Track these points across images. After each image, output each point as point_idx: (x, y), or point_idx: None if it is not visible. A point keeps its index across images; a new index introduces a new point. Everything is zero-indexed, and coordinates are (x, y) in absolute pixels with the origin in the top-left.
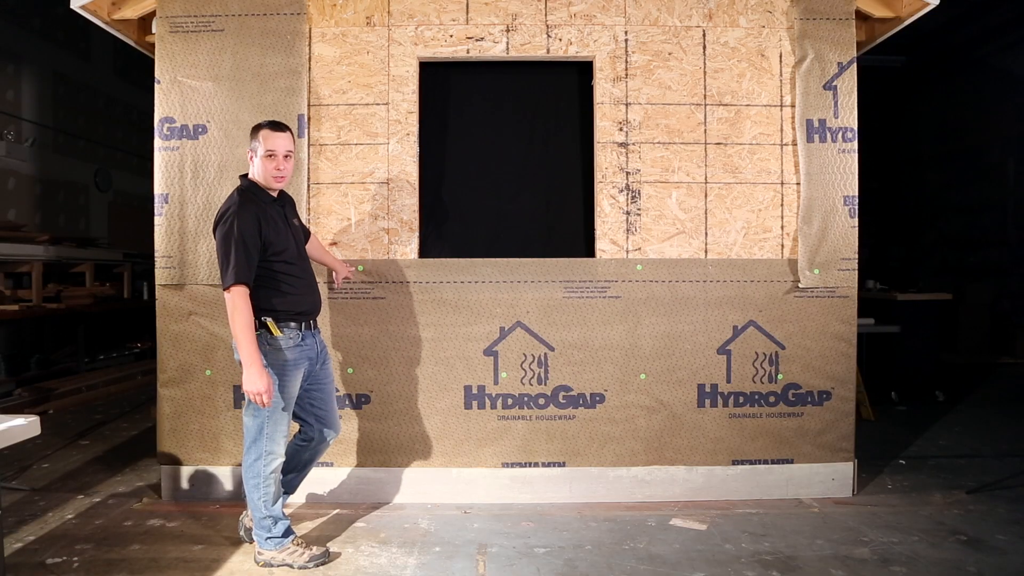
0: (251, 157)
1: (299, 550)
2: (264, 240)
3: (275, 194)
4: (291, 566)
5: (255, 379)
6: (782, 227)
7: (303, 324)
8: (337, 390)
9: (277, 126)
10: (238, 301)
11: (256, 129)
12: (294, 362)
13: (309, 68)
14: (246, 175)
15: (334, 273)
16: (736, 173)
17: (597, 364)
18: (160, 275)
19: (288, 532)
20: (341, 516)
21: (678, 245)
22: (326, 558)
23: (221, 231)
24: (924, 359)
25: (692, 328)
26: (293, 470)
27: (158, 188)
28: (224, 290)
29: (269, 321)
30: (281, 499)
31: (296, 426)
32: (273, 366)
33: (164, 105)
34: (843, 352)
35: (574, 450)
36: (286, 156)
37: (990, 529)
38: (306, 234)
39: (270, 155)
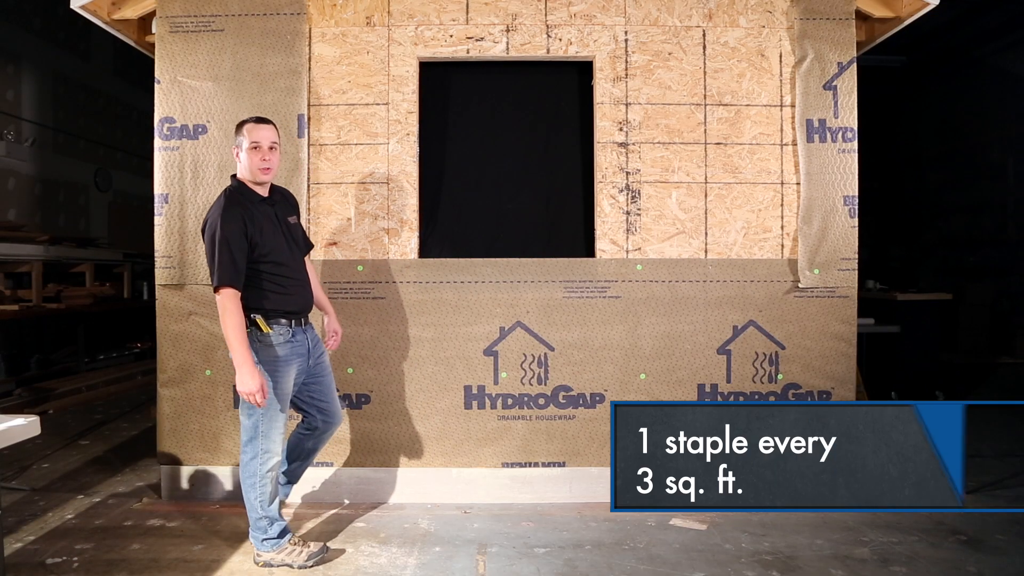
0: (236, 154)
1: (297, 549)
2: (250, 241)
3: (264, 192)
4: (291, 566)
5: (247, 379)
6: (782, 227)
7: (293, 321)
8: (336, 390)
9: (260, 119)
10: (226, 303)
11: (239, 125)
12: (285, 359)
13: (309, 68)
14: (235, 175)
15: (325, 319)
16: (736, 173)
17: (597, 364)
18: (160, 275)
19: (284, 532)
20: (341, 516)
21: (678, 245)
22: (325, 552)
23: (208, 234)
24: (924, 359)
25: (692, 328)
26: (298, 459)
27: (158, 188)
28: (214, 292)
29: (258, 318)
30: (278, 499)
31: (299, 418)
32: (264, 363)
33: (164, 105)
34: (843, 352)
35: (574, 450)
36: (271, 147)
37: (990, 529)
38: (308, 245)
39: (255, 147)
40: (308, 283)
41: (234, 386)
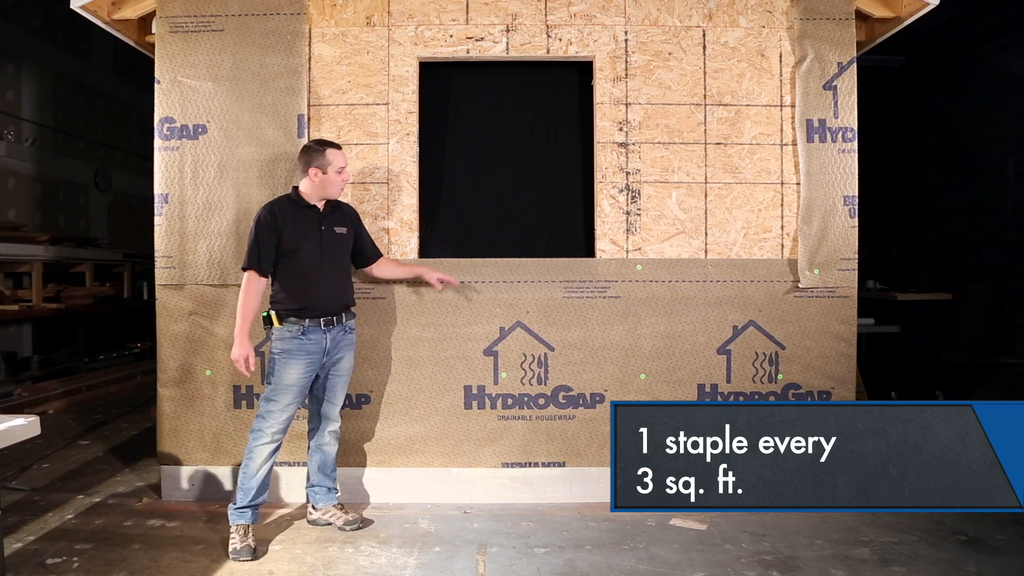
0: (314, 175)
1: (238, 537)
2: (278, 235)
3: (315, 203)
4: (232, 550)
5: (236, 348)
6: (782, 227)
7: (308, 320)
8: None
9: (337, 145)
10: (245, 282)
11: (318, 149)
12: (288, 352)
13: (309, 68)
14: (296, 187)
15: (428, 278)
16: (736, 173)
17: (597, 364)
18: (160, 275)
19: (242, 512)
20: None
21: (678, 245)
22: (252, 554)
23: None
24: (924, 359)
25: (692, 328)
26: (319, 471)
27: (158, 188)
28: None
29: (272, 314)
30: (259, 477)
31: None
32: (272, 351)
33: (164, 105)
34: (843, 352)
35: (574, 450)
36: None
37: (990, 529)
38: (374, 255)
39: (341, 171)
40: (335, 289)
41: (235, 386)
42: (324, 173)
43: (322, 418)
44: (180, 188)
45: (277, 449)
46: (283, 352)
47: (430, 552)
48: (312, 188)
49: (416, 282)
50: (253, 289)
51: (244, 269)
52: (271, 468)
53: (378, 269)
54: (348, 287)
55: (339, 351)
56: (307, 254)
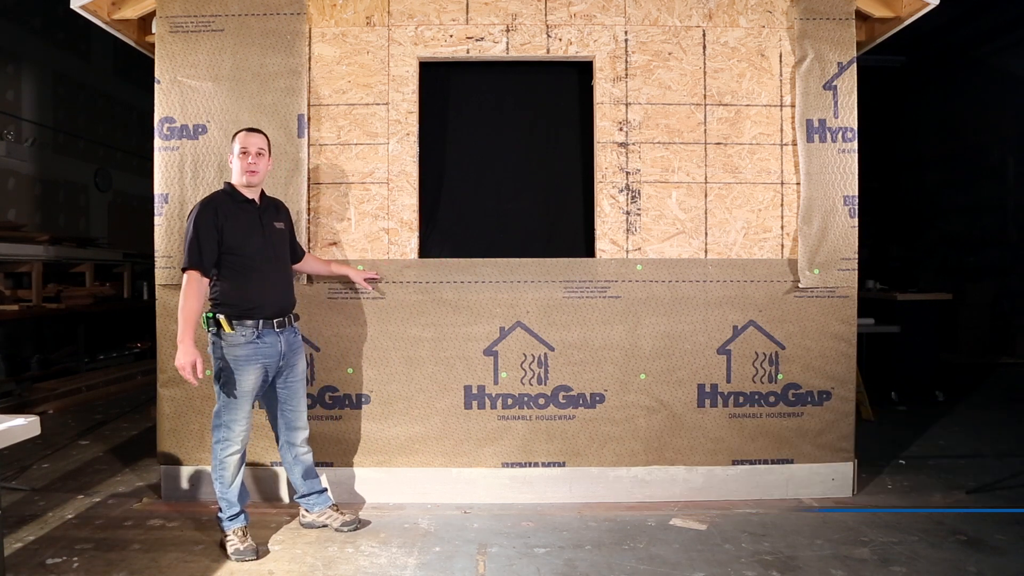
0: (230, 161)
1: (237, 539)
2: (220, 232)
3: (252, 196)
4: (232, 551)
5: (180, 355)
6: (782, 227)
7: (261, 323)
8: (336, 390)
9: (251, 129)
10: (185, 284)
11: (234, 136)
12: (245, 358)
13: (309, 68)
14: (228, 181)
15: (354, 279)
16: (736, 173)
17: (597, 364)
18: (160, 275)
19: (235, 517)
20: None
21: (678, 245)
22: (254, 554)
23: (186, 225)
24: (924, 359)
25: (692, 328)
26: (304, 478)
27: (158, 188)
28: (182, 273)
29: (222, 318)
30: (237, 485)
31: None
32: (224, 359)
33: (164, 105)
34: (843, 352)
35: (574, 450)
36: (258, 153)
37: (990, 529)
38: (302, 252)
39: (243, 152)
40: (282, 286)
41: None
42: (233, 157)
43: (291, 429)
44: (180, 188)
45: (245, 454)
46: (238, 358)
47: (430, 552)
48: (234, 177)
49: (416, 281)
50: (195, 291)
51: (184, 269)
52: (243, 472)
53: (305, 266)
54: (292, 286)
55: (294, 354)
56: (254, 250)
